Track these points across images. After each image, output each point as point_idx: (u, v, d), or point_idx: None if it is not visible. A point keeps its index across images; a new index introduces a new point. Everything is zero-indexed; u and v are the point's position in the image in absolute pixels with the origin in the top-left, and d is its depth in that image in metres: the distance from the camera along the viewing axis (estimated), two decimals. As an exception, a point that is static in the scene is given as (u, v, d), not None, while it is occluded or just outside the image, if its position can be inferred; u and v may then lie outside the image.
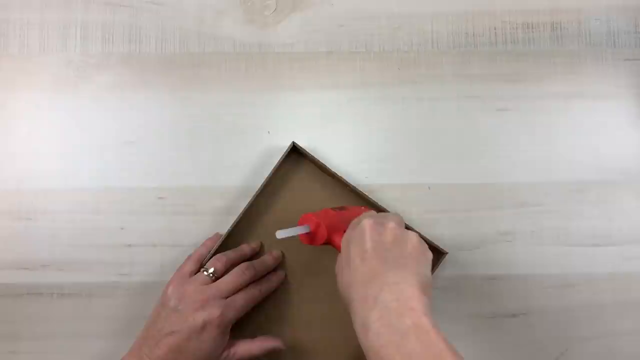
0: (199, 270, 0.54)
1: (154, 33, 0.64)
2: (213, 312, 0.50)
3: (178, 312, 0.50)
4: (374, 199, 0.59)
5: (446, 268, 0.61)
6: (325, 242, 0.50)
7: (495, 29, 0.64)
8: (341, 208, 0.54)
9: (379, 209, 0.59)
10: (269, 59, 0.64)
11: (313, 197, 0.61)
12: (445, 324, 0.42)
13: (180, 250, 0.60)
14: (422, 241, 0.46)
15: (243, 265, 0.55)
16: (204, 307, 0.50)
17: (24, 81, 0.63)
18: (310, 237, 0.51)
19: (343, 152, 0.62)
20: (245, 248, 0.58)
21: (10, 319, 0.60)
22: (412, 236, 0.46)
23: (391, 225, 0.46)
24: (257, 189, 0.58)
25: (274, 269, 0.59)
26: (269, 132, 0.62)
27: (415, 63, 0.64)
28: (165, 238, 0.61)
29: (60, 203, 0.61)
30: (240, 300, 0.53)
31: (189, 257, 0.57)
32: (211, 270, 0.53)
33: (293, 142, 0.59)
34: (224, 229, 0.58)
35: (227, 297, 0.52)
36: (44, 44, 0.63)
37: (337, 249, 0.49)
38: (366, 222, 0.46)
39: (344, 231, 0.49)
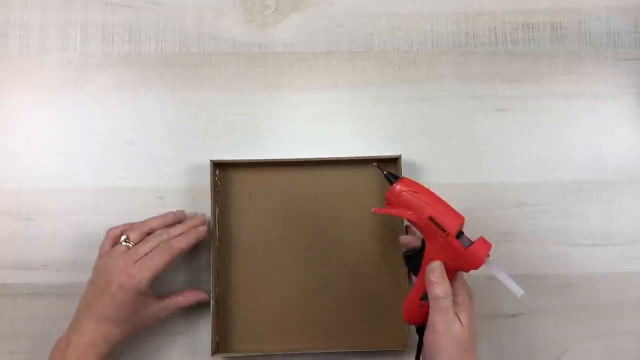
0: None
1: (154, 33, 0.64)
2: (121, 276, 0.51)
3: (95, 285, 0.53)
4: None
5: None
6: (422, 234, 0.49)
7: (495, 29, 0.64)
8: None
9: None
10: (268, 59, 0.64)
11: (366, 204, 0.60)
12: (445, 324, 0.42)
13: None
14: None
15: (158, 231, 0.55)
16: (114, 273, 0.52)
17: (24, 81, 0.63)
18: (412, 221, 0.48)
19: (343, 152, 0.62)
20: (169, 215, 0.58)
21: (10, 319, 0.60)
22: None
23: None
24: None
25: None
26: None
27: (415, 63, 0.64)
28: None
29: (60, 203, 0.61)
30: (149, 261, 0.52)
31: (107, 233, 0.56)
32: (124, 237, 0.54)
33: (400, 155, 0.59)
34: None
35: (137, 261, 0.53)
36: (44, 44, 0.63)
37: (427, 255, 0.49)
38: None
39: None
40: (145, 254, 0.53)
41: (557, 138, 0.63)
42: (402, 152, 0.62)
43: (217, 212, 0.60)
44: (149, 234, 0.55)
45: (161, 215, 0.58)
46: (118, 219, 0.61)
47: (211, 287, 0.57)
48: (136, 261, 0.52)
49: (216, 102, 0.63)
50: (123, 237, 0.54)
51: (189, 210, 0.61)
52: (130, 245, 0.54)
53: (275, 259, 0.60)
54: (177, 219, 0.58)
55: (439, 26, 0.64)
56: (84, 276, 0.60)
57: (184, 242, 0.55)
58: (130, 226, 0.56)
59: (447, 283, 0.47)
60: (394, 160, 0.60)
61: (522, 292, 0.48)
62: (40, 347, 0.60)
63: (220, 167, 0.60)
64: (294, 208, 0.60)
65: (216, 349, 0.57)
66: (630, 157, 0.63)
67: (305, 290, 0.60)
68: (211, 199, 0.58)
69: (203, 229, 0.57)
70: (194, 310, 0.59)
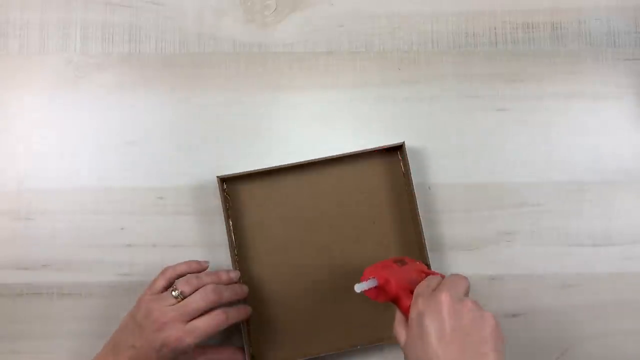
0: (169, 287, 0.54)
1: (154, 33, 0.64)
2: (171, 335, 0.50)
3: (141, 328, 0.51)
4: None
5: (447, 268, 0.61)
6: (391, 300, 0.48)
7: (495, 29, 0.64)
8: (401, 261, 0.53)
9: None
10: (268, 59, 0.64)
11: (375, 196, 0.61)
12: (445, 324, 0.42)
13: (180, 250, 0.60)
14: (498, 322, 0.46)
15: (209, 286, 0.53)
16: (164, 329, 0.51)
17: (24, 81, 0.63)
18: (376, 291, 0.49)
19: (343, 151, 0.62)
20: (222, 274, 0.56)
21: (10, 319, 0.60)
22: (489, 318, 0.45)
23: (469, 304, 0.46)
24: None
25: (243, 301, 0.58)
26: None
27: (415, 63, 0.64)
28: (165, 238, 0.61)
29: (60, 203, 0.61)
30: (202, 326, 0.51)
31: (163, 272, 0.56)
32: (178, 292, 0.53)
33: (404, 142, 0.59)
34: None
35: (189, 320, 0.52)
36: (44, 44, 0.63)
37: (402, 310, 0.48)
38: (444, 297, 0.45)
39: (410, 291, 0.48)
40: (196, 311, 0.52)
41: (557, 138, 0.63)
42: (402, 152, 0.62)
43: (231, 227, 0.59)
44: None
45: (215, 272, 0.56)
46: (118, 219, 0.61)
47: (240, 302, 0.57)
48: (188, 321, 0.51)
49: (216, 102, 0.63)
50: (178, 291, 0.52)
51: (189, 209, 0.61)
52: (180, 298, 0.52)
53: (295, 263, 0.60)
54: (230, 280, 0.56)
55: (439, 26, 0.64)
56: (84, 276, 0.61)
57: (237, 318, 0.55)
58: (186, 278, 0.54)
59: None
60: (398, 148, 0.60)
61: (357, 290, 0.48)
62: (41, 347, 0.60)
63: (228, 182, 0.60)
64: (305, 210, 0.60)
65: None
66: (630, 157, 0.63)
67: (330, 289, 0.60)
68: (224, 216, 0.58)
69: (249, 310, 0.57)
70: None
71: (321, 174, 0.61)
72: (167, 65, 0.63)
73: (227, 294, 0.54)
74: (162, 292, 0.54)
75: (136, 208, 0.61)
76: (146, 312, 0.52)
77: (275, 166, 0.59)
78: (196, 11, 0.64)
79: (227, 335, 0.60)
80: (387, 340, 0.59)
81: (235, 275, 0.57)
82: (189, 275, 0.54)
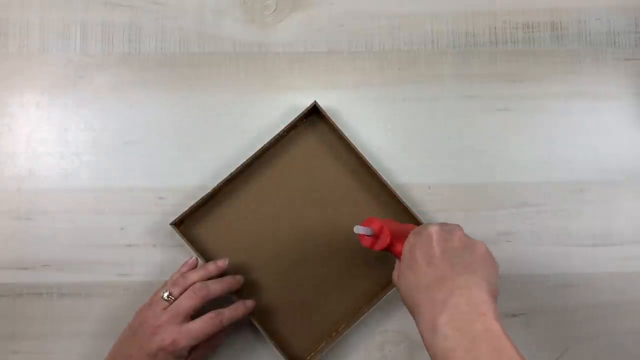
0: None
1: (154, 33, 0.64)
2: (165, 339, 0.50)
3: (136, 336, 0.52)
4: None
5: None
6: (386, 247, 0.49)
7: (495, 29, 0.64)
8: (402, 223, 0.54)
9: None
10: (269, 59, 0.64)
11: (325, 166, 0.61)
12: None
13: (180, 250, 0.60)
14: (490, 251, 0.46)
15: (196, 284, 0.53)
16: (158, 332, 0.51)
17: (24, 81, 0.63)
18: (372, 240, 0.50)
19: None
20: (210, 266, 0.56)
21: (10, 319, 0.60)
22: (480, 244, 0.46)
23: (459, 232, 0.46)
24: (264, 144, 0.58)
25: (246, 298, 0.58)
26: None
27: (415, 63, 0.64)
28: (165, 238, 0.61)
29: (60, 203, 0.61)
30: (197, 328, 0.51)
31: (164, 284, 0.55)
32: (167, 294, 0.53)
33: (315, 102, 0.59)
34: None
35: (183, 321, 0.52)
36: (44, 44, 0.63)
37: (397, 255, 0.49)
38: (433, 228, 0.46)
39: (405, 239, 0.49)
40: (188, 310, 0.52)
41: (557, 138, 0.63)
42: (402, 152, 0.62)
43: (202, 260, 0.58)
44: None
45: (203, 267, 0.56)
46: (118, 219, 0.61)
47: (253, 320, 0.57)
48: (182, 323, 0.51)
49: (216, 102, 0.63)
50: (167, 294, 0.53)
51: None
52: (172, 300, 0.53)
53: (280, 254, 0.61)
54: (219, 271, 0.56)
55: (439, 26, 0.64)
56: (84, 276, 0.61)
57: (234, 315, 0.54)
58: (174, 281, 0.54)
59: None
60: (314, 110, 0.60)
61: (356, 231, 0.49)
62: (41, 347, 0.60)
63: (183, 224, 0.60)
64: (274, 205, 0.61)
65: None
66: (630, 157, 0.63)
67: (321, 263, 0.61)
68: (197, 256, 0.58)
69: (250, 305, 0.56)
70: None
71: (268, 167, 0.61)
72: (167, 65, 0.63)
73: (216, 286, 0.54)
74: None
75: (136, 208, 0.61)
76: (140, 319, 0.53)
77: (216, 187, 0.58)
78: (196, 11, 0.64)
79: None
80: (390, 287, 0.58)
81: (223, 263, 0.57)
82: (177, 277, 0.55)
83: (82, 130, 0.62)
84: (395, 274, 0.49)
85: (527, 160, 0.63)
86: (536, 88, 0.63)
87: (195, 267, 0.58)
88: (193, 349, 0.52)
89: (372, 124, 0.63)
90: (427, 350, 0.41)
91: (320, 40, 0.64)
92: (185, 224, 0.60)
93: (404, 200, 0.58)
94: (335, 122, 0.59)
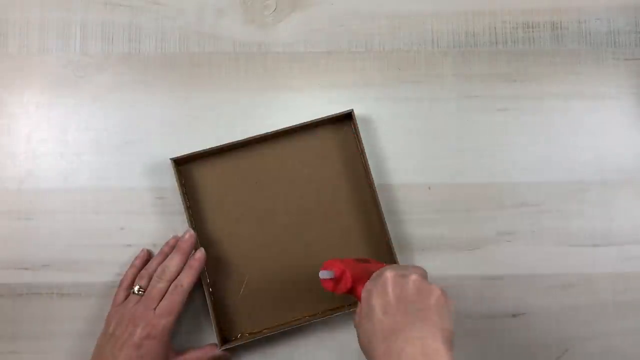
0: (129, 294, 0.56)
1: (154, 33, 0.64)
2: (146, 326, 0.52)
3: (116, 338, 0.52)
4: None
5: (446, 268, 0.61)
6: (348, 291, 0.49)
7: (495, 28, 0.64)
8: (365, 260, 0.54)
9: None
10: (268, 59, 0.64)
11: (331, 168, 0.62)
12: (445, 324, 0.42)
13: (180, 250, 0.60)
14: (446, 293, 0.46)
15: (159, 269, 0.55)
16: (138, 324, 0.52)
17: (24, 81, 0.63)
18: (334, 283, 0.49)
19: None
20: (165, 248, 0.58)
21: (10, 319, 0.60)
22: (435, 288, 0.46)
23: (414, 277, 0.46)
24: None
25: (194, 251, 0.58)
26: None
27: (415, 63, 0.64)
28: (165, 238, 0.61)
29: (60, 203, 0.61)
30: (166, 304, 0.53)
31: (120, 284, 0.57)
32: (137, 287, 0.55)
33: (352, 110, 0.59)
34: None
35: (155, 307, 0.53)
36: (44, 44, 0.63)
37: (358, 299, 0.49)
38: (388, 273, 0.46)
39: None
40: (159, 292, 0.54)
41: (557, 138, 0.63)
42: (402, 151, 0.62)
43: (188, 205, 0.59)
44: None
45: (159, 253, 0.58)
46: (118, 219, 0.61)
47: (204, 286, 0.58)
48: (154, 308, 0.53)
49: (216, 102, 0.63)
50: (137, 287, 0.55)
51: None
52: (142, 293, 0.54)
53: (259, 239, 0.60)
54: (172, 247, 0.58)
55: (439, 26, 0.64)
56: (84, 276, 0.61)
57: (191, 277, 0.55)
58: (140, 274, 0.56)
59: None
60: (348, 117, 0.60)
61: (320, 276, 0.49)
62: (41, 348, 0.60)
63: (181, 164, 0.60)
64: (263, 185, 0.61)
65: (222, 342, 0.57)
66: (630, 157, 0.63)
67: (295, 259, 0.60)
68: (182, 197, 0.58)
69: (200, 255, 0.57)
70: (193, 310, 0.59)
71: (276, 148, 0.61)
72: (167, 65, 0.63)
73: (176, 263, 0.55)
74: (124, 301, 0.55)
75: (136, 208, 0.61)
76: (116, 321, 0.53)
77: (228, 143, 0.59)
78: (196, 11, 0.64)
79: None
80: (353, 305, 0.59)
81: (189, 236, 0.57)
82: (141, 271, 0.56)
83: (82, 130, 0.62)
84: (355, 317, 0.49)
85: (527, 160, 0.63)
86: (536, 88, 0.63)
87: (148, 257, 0.59)
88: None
89: (372, 124, 0.63)
90: None
91: (320, 40, 0.64)
92: (184, 167, 0.60)
93: (388, 230, 0.58)
94: (362, 136, 0.60)
